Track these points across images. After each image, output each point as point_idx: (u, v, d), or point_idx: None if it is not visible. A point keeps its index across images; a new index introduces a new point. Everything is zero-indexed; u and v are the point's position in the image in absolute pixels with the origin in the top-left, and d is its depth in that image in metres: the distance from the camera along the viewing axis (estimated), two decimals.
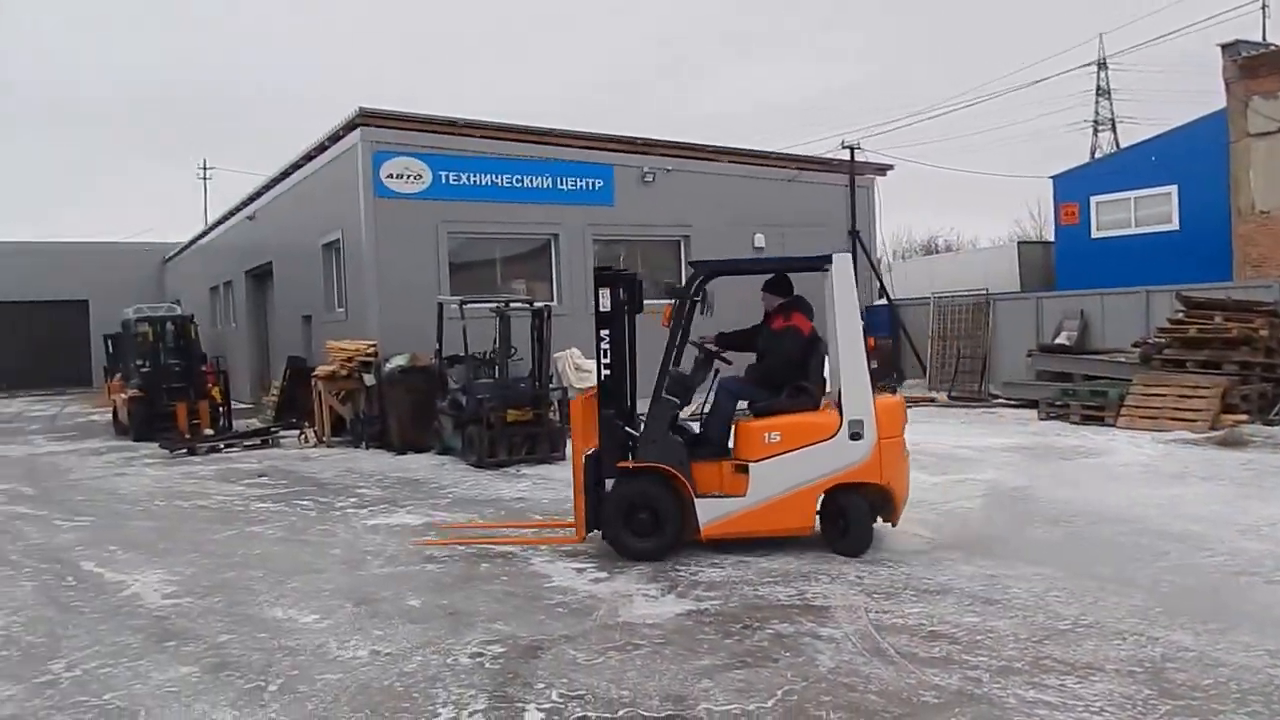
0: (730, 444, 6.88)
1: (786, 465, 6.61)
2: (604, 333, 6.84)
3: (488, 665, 4.73)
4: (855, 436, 6.61)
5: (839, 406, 6.71)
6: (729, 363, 7.33)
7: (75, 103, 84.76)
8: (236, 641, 5.20)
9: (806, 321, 7.14)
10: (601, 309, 6.85)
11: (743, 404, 7.12)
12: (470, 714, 4.13)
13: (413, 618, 5.54)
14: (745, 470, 6.66)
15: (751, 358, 7.37)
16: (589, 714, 4.10)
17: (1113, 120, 41.05)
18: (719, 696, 4.25)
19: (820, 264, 6.93)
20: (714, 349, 7.28)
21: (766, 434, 6.68)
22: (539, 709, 4.16)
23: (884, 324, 19.15)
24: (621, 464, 6.75)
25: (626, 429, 6.84)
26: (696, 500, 6.65)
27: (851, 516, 6.69)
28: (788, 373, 6.93)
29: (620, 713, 4.10)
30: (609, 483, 6.71)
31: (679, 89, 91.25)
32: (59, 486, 11.39)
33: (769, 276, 7.42)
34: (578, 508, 6.85)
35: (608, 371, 6.82)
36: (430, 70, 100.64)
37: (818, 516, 6.79)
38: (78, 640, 5.33)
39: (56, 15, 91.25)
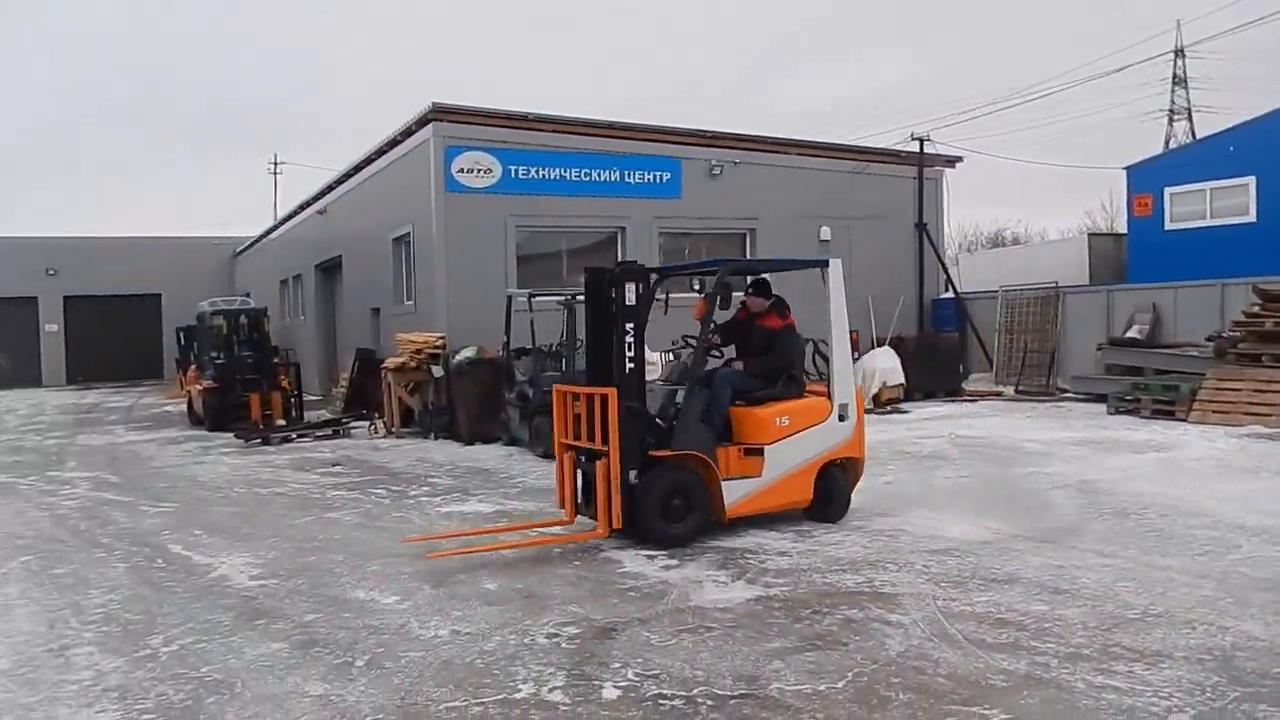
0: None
1: (794, 445, 7.41)
2: (629, 326, 6.98)
3: (564, 645, 4.89)
4: (842, 418, 7.63)
5: (827, 391, 7.65)
6: (720, 355, 7.95)
7: (134, 101, 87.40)
8: (322, 620, 5.44)
9: (792, 319, 7.88)
10: (627, 303, 7.00)
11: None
12: (550, 690, 4.30)
13: (490, 600, 5.73)
14: (759, 453, 7.27)
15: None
16: (664, 691, 4.24)
17: (1189, 109, 39.79)
18: (790, 677, 4.36)
19: (818, 265, 7.80)
20: (719, 343, 7.82)
21: (778, 418, 7.38)
22: (616, 686, 4.31)
23: (950, 318, 18.96)
24: (657, 453, 6.92)
25: (657, 420, 7.12)
26: (724, 483, 7.08)
27: (837, 487, 7.63)
28: (787, 365, 7.63)
29: (694, 691, 4.23)
30: (632, 474, 6.81)
31: (742, 86, 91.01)
32: (141, 474, 11.85)
33: (756, 278, 8.01)
34: (602, 501, 6.73)
35: (632, 365, 6.98)
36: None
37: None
38: (172, 618, 5.62)
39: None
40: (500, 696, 4.24)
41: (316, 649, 4.96)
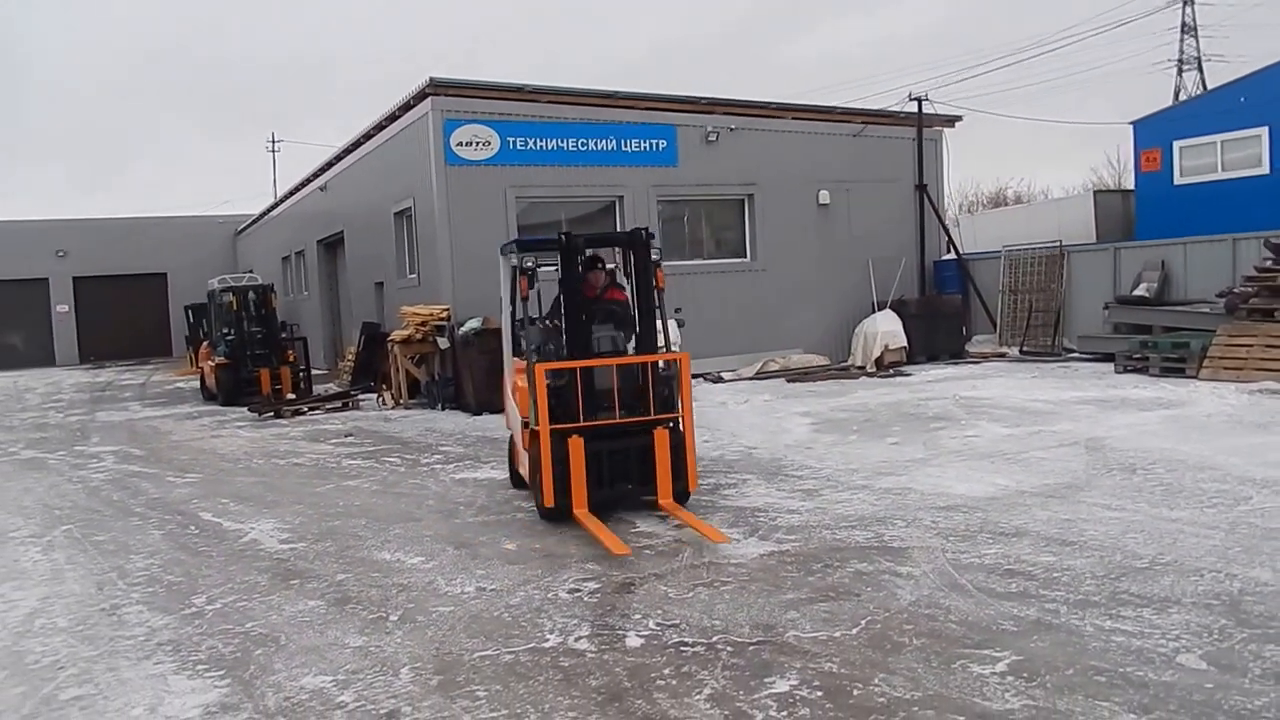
0: None
1: None
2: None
3: (586, 599, 5.07)
4: None
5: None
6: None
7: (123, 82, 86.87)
8: (353, 580, 5.65)
9: None
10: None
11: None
12: (576, 639, 4.48)
13: (510, 559, 5.91)
14: None
15: None
16: (685, 639, 4.41)
17: (1199, 59, 38.94)
18: (806, 625, 4.52)
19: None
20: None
21: None
22: (639, 635, 4.49)
23: (953, 279, 18.96)
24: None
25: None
26: None
27: None
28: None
29: (714, 639, 4.40)
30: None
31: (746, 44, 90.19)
32: (163, 447, 12.04)
33: (591, 254, 7.85)
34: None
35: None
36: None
37: None
38: (211, 579, 5.85)
39: None
40: (530, 645, 4.42)
41: (351, 605, 5.17)
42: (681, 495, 6.82)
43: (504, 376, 8.27)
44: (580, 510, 6.48)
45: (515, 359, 7.93)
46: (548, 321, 7.49)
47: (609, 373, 6.81)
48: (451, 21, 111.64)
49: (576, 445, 6.49)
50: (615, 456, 6.70)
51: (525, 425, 7.11)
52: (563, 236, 7.09)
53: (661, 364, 6.90)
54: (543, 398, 6.49)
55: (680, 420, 6.86)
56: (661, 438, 6.66)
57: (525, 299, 7.26)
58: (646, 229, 7.23)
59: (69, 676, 4.39)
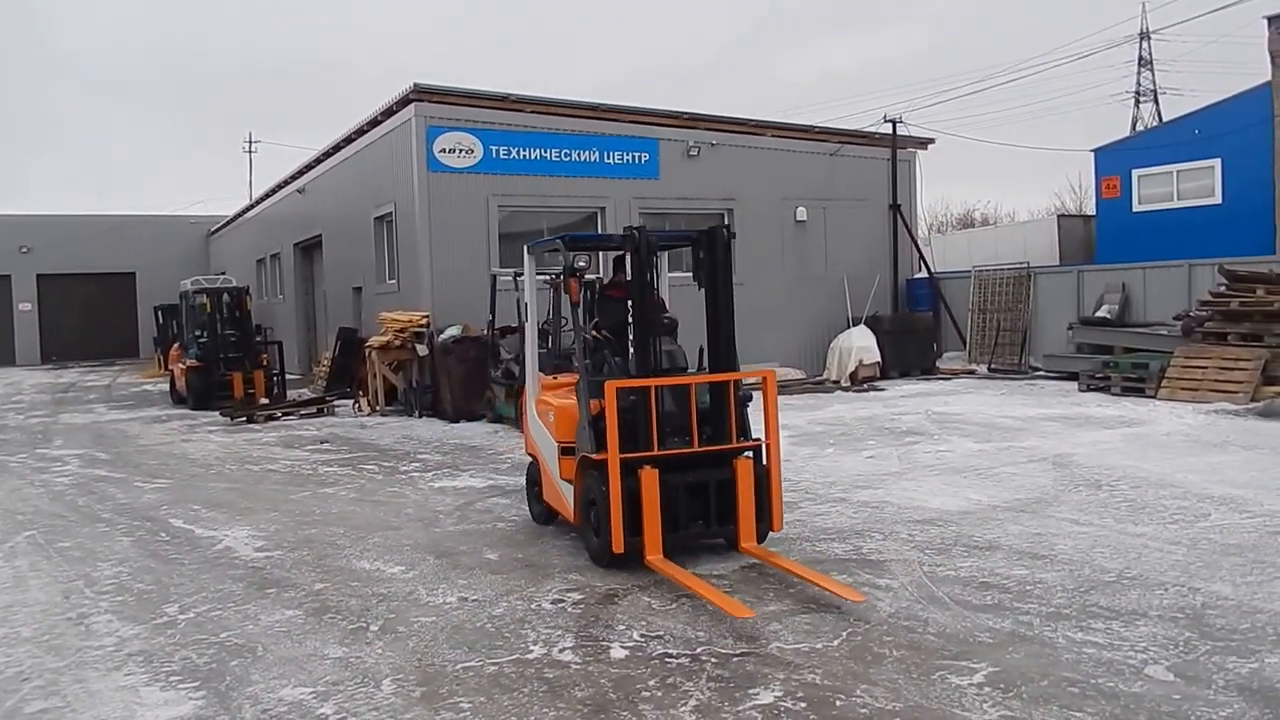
0: None
1: None
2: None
3: (569, 610, 5.10)
4: None
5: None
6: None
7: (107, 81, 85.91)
8: (332, 589, 5.61)
9: None
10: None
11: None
12: (560, 650, 4.50)
13: (492, 569, 5.92)
14: None
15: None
16: (670, 651, 4.45)
17: (1155, 92, 40.54)
18: (788, 637, 4.59)
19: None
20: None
21: None
22: (623, 647, 4.53)
23: (925, 297, 19.25)
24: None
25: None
26: None
27: None
28: None
29: (698, 650, 4.45)
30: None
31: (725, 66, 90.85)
32: (131, 451, 11.89)
33: (616, 256, 7.58)
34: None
35: None
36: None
37: None
38: (184, 588, 5.76)
39: None
40: (514, 657, 4.44)
41: (330, 615, 5.14)
42: (762, 536, 5.96)
43: (525, 392, 7.30)
44: (654, 556, 5.54)
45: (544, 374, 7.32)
46: (598, 332, 6.88)
47: (684, 392, 5.91)
48: (434, 42, 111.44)
49: (650, 479, 5.52)
50: (691, 492, 5.73)
51: (568, 451, 6.18)
52: (634, 232, 6.08)
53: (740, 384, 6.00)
54: (613, 421, 5.44)
55: (766, 449, 5.94)
56: (745, 469, 5.78)
57: (577, 304, 6.56)
58: (729, 227, 6.47)
59: (34, 689, 4.28)
